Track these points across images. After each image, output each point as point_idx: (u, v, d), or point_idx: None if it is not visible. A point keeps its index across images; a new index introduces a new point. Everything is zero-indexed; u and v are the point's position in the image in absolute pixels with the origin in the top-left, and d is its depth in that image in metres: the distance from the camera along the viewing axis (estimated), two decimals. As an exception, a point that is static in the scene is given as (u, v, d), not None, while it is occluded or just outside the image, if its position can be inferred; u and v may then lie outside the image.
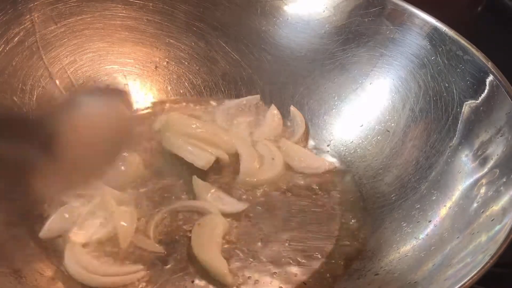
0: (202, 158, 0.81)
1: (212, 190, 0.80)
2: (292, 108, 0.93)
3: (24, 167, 0.53)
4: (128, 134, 0.64)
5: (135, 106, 0.93)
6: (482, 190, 0.67)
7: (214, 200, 0.79)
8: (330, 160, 0.88)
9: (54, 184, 0.59)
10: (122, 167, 0.81)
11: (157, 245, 0.73)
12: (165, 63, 0.96)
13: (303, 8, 0.93)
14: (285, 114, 0.94)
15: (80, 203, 0.75)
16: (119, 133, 0.61)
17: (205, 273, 0.71)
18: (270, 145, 0.88)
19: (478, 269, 0.56)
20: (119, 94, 0.68)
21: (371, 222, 0.78)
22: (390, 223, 0.76)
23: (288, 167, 0.86)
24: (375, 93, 0.88)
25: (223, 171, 0.85)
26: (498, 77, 0.73)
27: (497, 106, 0.72)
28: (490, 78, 0.74)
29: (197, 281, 0.70)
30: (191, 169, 0.81)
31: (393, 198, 0.79)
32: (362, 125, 0.88)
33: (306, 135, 0.92)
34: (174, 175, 0.83)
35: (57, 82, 0.88)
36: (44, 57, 0.86)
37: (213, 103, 0.96)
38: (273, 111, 0.93)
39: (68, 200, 0.75)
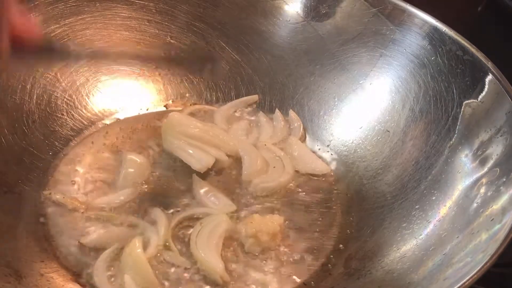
0: (199, 160, 0.81)
1: (207, 189, 0.80)
2: (291, 112, 0.93)
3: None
4: None
5: (136, 106, 0.94)
6: (482, 190, 0.67)
7: (210, 200, 0.79)
8: (330, 160, 0.88)
9: None
10: (130, 169, 0.81)
11: (183, 258, 0.72)
12: (166, 63, 0.96)
13: (303, 8, 0.93)
14: (284, 115, 0.94)
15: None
16: None
17: (202, 271, 0.71)
18: (277, 150, 0.88)
19: (478, 269, 0.56)
20: None
21: (371, 222, 0.78)
22: (390, 223, 0.76)
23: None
24: (375, 93, 0.88)
25: (223, 172, 0.85)
26: (498, 77, 0.73)
27: (496, 105, 0.72)
28: (490, 78, 0.74)
29: (195, 279, 0.70)
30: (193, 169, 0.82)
31: (393, 198, 0.78)
32: (361, 127, 0.88)
33: (304, 138, 0.92)
34: (176, 174, 0.83)
35: (58, 81, 0.88)
36: (44, 57, 0.87)
37: (213, 103, 0.96)
38: (277, 116, 0.93)
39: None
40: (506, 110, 0.70)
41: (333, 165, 0.87)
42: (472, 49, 0.77)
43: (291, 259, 0.74)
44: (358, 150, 0.87)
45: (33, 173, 0.80)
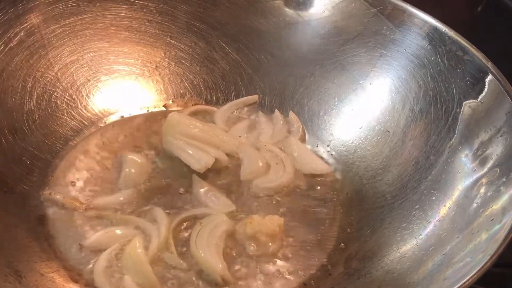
0: (199, 160, 0.81)
1: (207, 189, 0.80)
2: (291, 113, 0.93)
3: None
4: None
5: (136, 106, 0.94)
6: (482, 190, 0.67)
7: (210, 200, 0.79)
8: (330, 161, 0.88)
9: None
10: (130, 169, 0.82)
11: (183, 259, 0.72)
12: (166, 63, 0.96)
13: (303, 8, 0.93)
14: (284, 115, 0.94)
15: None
16: None
17: (202, 271, 0.71)
18: (277, 151, 0.88)
19: (477, 269, 0.56)
20: None
21: (371, 222, 0.78)
22: (390, 223, 0.76)
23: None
24: (375, 93, 0.88)
25: (223, 172, 0.85)
26: (498, 77, 0.73)
27: (496, 106, 0.72)
28: (490, 78, 0.74)
29: (195, 280, 0.70)
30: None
31: (393, 198, 0.79)
32: (361, 127, 0.88)
33: (303, 138, 0.92)
34: (176, 174, 0.83)
35: (58, 81, 0.88)
36: (44, 56, 0.86)
37: (213, 103, 0.96)
38: (277, 117, 0.93)
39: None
40: (506, 110, 0.70)
41: (333, 165, 0.87)
42: (472, 49, 0.77)
43: (290, 259, 0.74)
44: (358, 150, 0.87)
45: (33, 173, 0.80)
